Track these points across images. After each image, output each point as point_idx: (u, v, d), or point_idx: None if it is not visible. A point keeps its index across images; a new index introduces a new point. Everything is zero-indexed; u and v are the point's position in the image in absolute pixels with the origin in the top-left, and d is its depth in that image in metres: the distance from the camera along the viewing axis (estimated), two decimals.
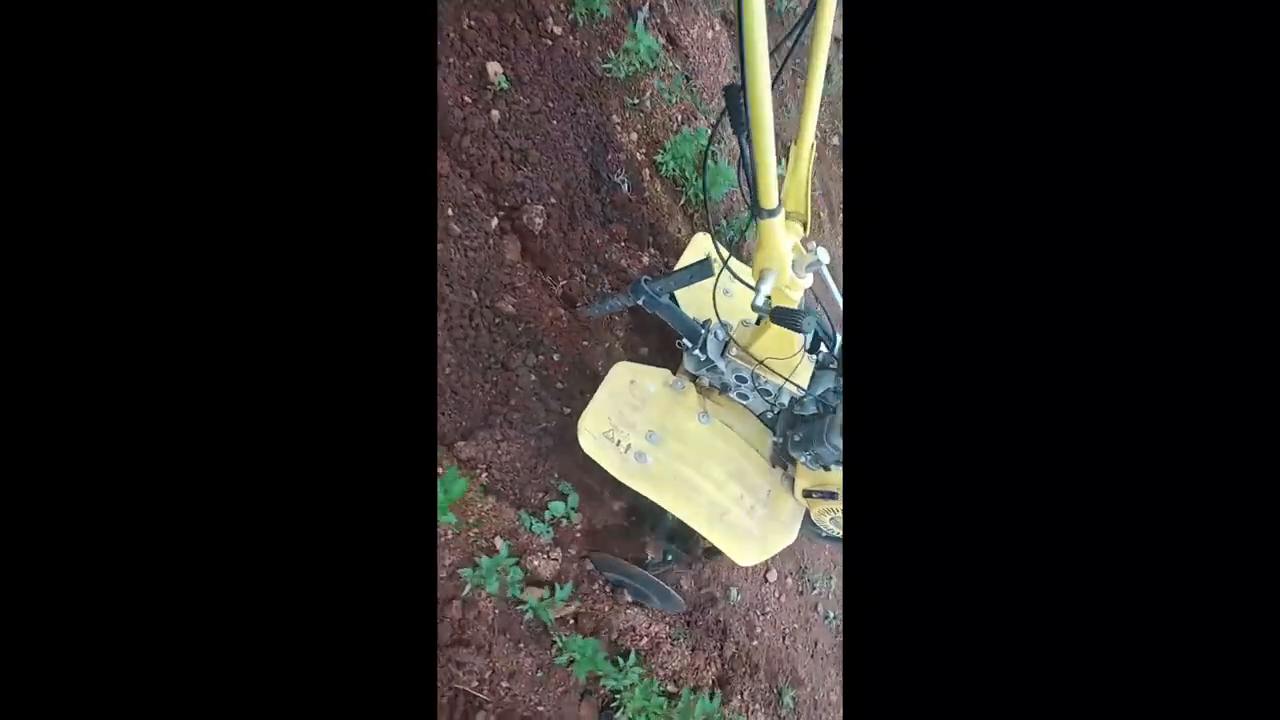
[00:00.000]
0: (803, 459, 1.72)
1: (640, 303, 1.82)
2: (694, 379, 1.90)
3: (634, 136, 2.23)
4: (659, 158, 2.24)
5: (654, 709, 1.83)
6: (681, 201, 2.35)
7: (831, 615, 2.83)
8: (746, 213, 1.39)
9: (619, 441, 1.71)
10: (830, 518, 1.77)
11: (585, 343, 1.99)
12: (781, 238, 1.36)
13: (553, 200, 1.93)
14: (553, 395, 1.91)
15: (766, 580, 2.53)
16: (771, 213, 1.27)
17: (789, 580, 2.63)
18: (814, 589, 2.75)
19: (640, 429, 1.76)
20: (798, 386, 1.74)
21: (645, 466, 1.72)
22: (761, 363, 1.76)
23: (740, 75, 1.01)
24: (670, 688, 1.97)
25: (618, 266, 2.15)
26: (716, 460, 1.78)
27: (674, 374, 1.87)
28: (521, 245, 1.85)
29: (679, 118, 2.33)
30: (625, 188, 2.19)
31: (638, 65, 2.13)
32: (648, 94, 2.22)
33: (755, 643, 2.38)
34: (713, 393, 1.95)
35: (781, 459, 1.88)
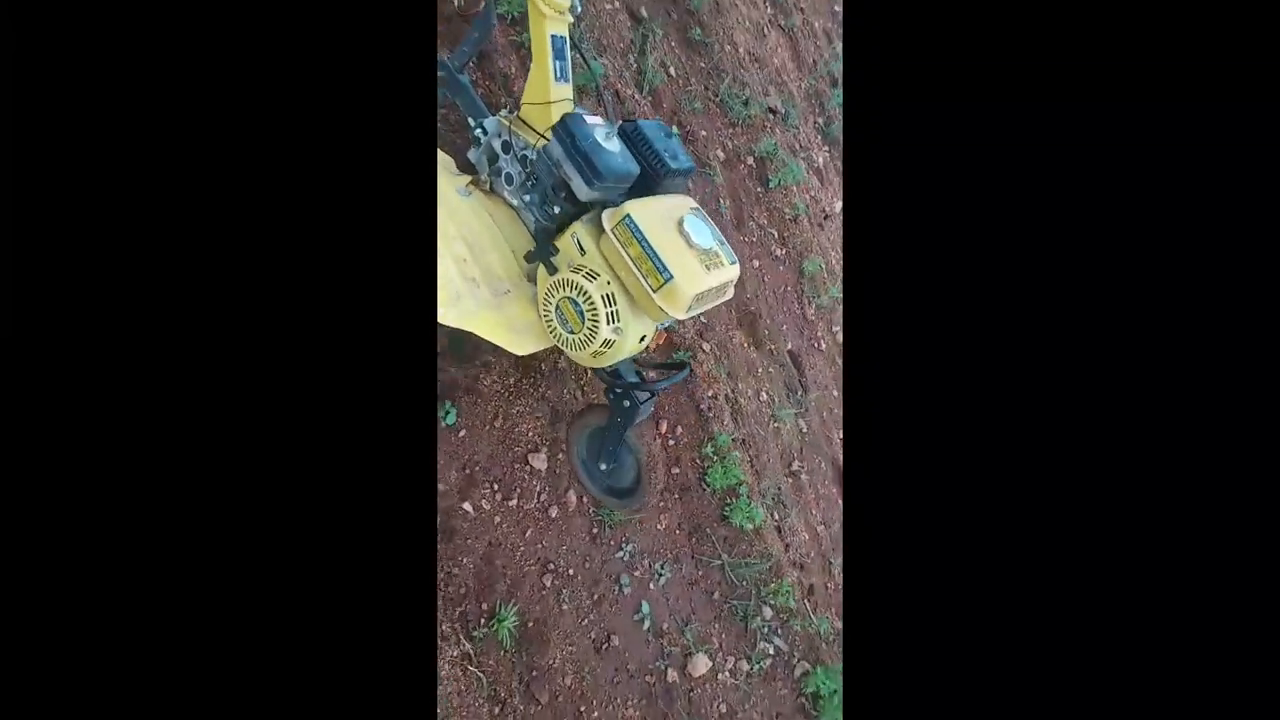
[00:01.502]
0: (522, 199, 1.56)
1: (440, 82, 1.67)
2: (476, 181, 1.67)
3: None
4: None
5: None
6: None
7: (647, 613, 1.79)
8: None
9: None
10: (555, 301, 1.40)
11: None
12: None
13: None
14: None
15: (529, 464, 1.69)
16: None
17: (571, 499, 1.75)
18: (620, 551, 1.81)
19: None
20: (542, 137, 1.53)
21: None
22: (517, 113, 1.57)
23: None
24: None
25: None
26: (456, 224, 1.47)
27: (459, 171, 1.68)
28: None
29: None
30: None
31: None
32: None
33: (468, 506, 1.47)
34: (494, 196, 1.69)
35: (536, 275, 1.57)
